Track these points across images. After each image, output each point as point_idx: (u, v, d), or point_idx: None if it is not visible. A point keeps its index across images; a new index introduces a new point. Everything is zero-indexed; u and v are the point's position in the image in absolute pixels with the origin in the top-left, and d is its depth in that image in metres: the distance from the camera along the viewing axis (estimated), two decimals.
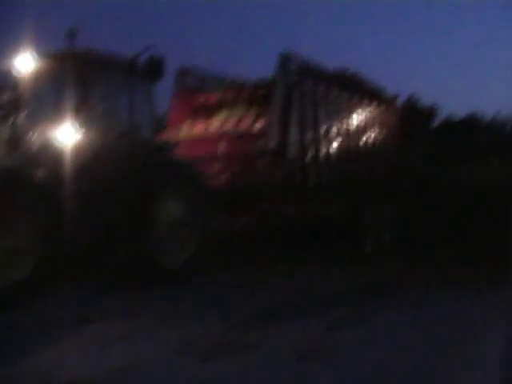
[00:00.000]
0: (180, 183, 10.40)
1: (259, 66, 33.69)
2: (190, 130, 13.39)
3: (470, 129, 33.05)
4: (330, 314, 8.03)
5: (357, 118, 15.01)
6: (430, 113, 31.03)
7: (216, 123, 13.26)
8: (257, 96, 13.65)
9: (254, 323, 7.55)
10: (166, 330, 7.21)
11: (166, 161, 10.58)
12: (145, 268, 9.61)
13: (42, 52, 9.91)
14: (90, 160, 9.45)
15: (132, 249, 9.60)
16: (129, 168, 9.78)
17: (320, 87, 13.51)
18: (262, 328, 7.33)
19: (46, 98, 10.22)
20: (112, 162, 9.68)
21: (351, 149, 14.66)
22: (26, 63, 9.85)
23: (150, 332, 7.11)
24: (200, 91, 14.36)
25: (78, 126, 9.53)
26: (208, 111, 13.80)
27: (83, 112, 9.62)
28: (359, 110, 15.12)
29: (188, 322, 7.57)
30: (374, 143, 15.83)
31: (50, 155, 9.26)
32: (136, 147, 10.21)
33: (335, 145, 14.01)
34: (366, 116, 15.43)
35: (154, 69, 10.19)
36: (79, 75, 9.68)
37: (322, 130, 13.53)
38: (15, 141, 9.32)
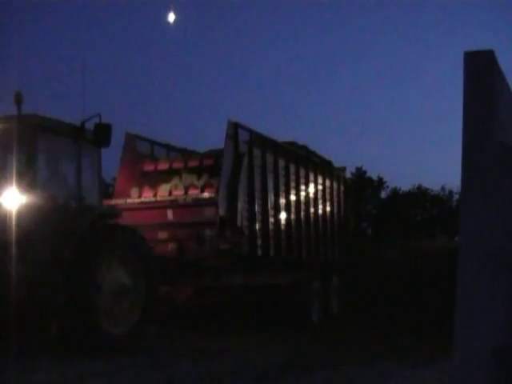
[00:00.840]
0: (124, 250, 10.29)
1: (209, 137, 34.03)
2: (138, 197, 13.28)
3: (416, 200, 33.73)
4: None
5: (306, 190, 15.16)
6: (377, 184, 31.61)
7: (164, 191, 13.20)
8: (206, 165, 13.72)
9: None
10: None
11: (110, 227, 10.49)
12: (87, 334, 9.39)
13: None
14: (32, 225, 9.29)
15: (74, 315, 9.35)
16: (72, 233, 9.65)
17: (269, 157, 13.66)
18: None
19: None
20: (55, 227, 9.54)
21: (299, 221, 14.74)
22: None
23: None
24: (149, 158, 14.35)
25: (22, 190, 9.39)
26: (156, 178, 13.77)
27: (28, 177, 9.53)
28: (308, 182, 15.29)
29: None
30: (322, 215, 15.97)
31: None
32: (80, 213, 10.09)
33: (284, 216, 14.08)
34: (314, 188, 15.61)
35: (100, 135, 10.17)
36: (24, 140, 9.61)
37: (271, 200, 13.60)
38: None
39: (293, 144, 15.95)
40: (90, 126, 10.26)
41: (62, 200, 10.14)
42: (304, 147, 16.17)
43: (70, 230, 9.65)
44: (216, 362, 9.64)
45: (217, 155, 13.49)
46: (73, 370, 8.47)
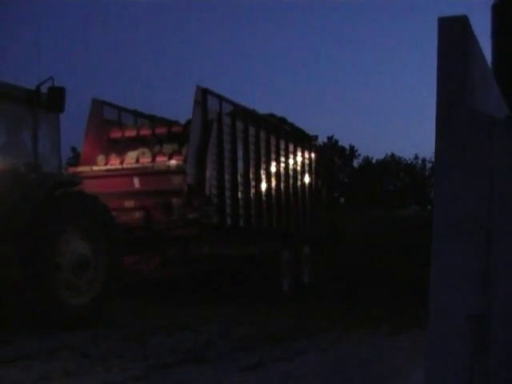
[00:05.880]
0: (84, 219, 9.97)
1: (177, 103, 33.59)
2: (104, 164, 12.93)
3: (389, 169, 33.75)
4: (249, 356, 7.84)
5: (277, 159, 14.92)
6: (349, 153, 31.53)
7: (131, 158, 12.87)
8: (174, 132, 13.42)
9: (175, 364, 7.28)
10: (85, 372, 6.84)
11: (68, 195, 10.11)
12: (47, 307, 9.17)
13: None
14: None
15: (35, 288, 9.07)
16: (27, 203, 9.29)
17: (239, 125, 13.38)
18: (183, 369, 7.07)
19: None
20: (8, 195, 9.19)
21: (270, 190, 14.53)
22: None
23: (68, 375, 6.71)
24: (116, 125, 13.97)
25: None
26: (124, 145, 13.43)
27: None
28: (279, 151, 15.05)
29: (109, 362, 7.24)
30: (293, 184, 15.78)
31: None
32: (36, 181, 9.70)
33: (254, 185, 13.85)
34: (285, 156, 15.37)
35: (54, 99, 9.76)
36: None
37: (241, 168, 13.35)
38: None
39: (272, 116, 15.72)
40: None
41: (17, 167, 9.68)
42: (283, 120, 15.96)
43: (24, 199, 9.28)
44: (189, 333, 9.52)
45: (186, 122, 13.19)
46: (44, 343, 8.30)
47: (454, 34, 3.36)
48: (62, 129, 10.52)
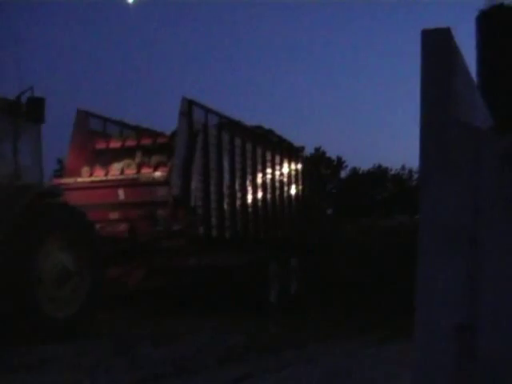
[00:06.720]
0: (65, 231, 9.85)
1: (163, 115, 33.50)
2: (88, 176, 12.86)
3: (377, 180, 33.86)
4: (237, 368, 7.84)
5: (263, 170, 14.89)
6: (336, 164, 31.60)
7: (116, 169, 12.80)
8: (159, 143, 13.36)
9: (163, 376, 7.26)
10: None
11: (48, 207, 9.97)
12: (33, 320, 9.05)
13: None
14: None
15: (15, 300, 8.94)
16: (6, 214, 9.16)
17: (224, 136, 13.35)
18: (171, 381, 7.08)
19: None
20: None
21: (256, 201, 14.50)
22: None
23: None
24: (101, 135, 13.90)
25: None
26: (109, 157, 13.35)
27: None
28: (265, 162, 15.03)
29: (97, 375, 7.21)
30: (281, 196, 15.75)
31: None
32: (16, 192, 9.56)
33: (240, 196, 13.81)
34: (271, 167, 15.34)
35: (34, 110, 9.65)
36: None
37: (227, 179, 13.30)
38: None
39: (259, 128, 15.70)
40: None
41: None
42: (271, 132, 15.93)
43: (3, 211, 9.15)
44: (177, 345, 9.45)
45: (171, 133, 13.15)
46: (31, 356, 8.20)
47: (437, 45, 3.37)
48: (49, 140, 10.43)
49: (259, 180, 14.71)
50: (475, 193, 3.22)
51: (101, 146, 13.67)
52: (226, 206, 13.22)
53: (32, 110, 9.65)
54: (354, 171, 33.77)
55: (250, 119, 15.85)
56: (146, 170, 12.50)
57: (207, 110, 13.02)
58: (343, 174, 33.85)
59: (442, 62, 3.32)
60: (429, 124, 3.35)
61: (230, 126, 13.84)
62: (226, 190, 13.26)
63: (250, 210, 14.19)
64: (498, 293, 3.15)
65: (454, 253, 3.19)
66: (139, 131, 14.68)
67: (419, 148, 3.37)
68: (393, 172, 34.49)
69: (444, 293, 3.17)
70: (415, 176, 33.21)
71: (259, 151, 14.77)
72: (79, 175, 12.90)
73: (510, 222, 3.16)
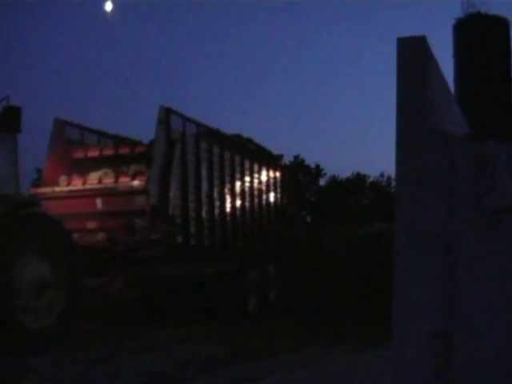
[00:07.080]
0: (41, 240, 9.76)
1: (141, 124, 33.46)
2: (66, 185, 12.76)
3: (355, 187, 33.98)
4: (218, 377, 7.87)
5: (241, 178, 14.89)
6: (315, 172, 31.65)
7: (94, 179, 12.71)
8: (137, 152, 13.30)
9: None
10: None
11: (24, 216, 9.90)
12: (10, 332, 8.96)
13: None
14: None
15: None
16: None
17: (202, 145, 13.32)
18: None
19: None
20: None
21: (234, 209, 14.48)
22: None
23: None
24: (79, 145, 13.81)
25: None
26: (86, 166, 13.26)
27: None
28: (243, 170, 15.02)
29: None
30: (257, 204, 15.74)
31: None
32: None
33: (218, 204, 13.78)
34: (250, 176, 15.34)
35: (9, 119, 9.58)
36: None
37: (205, 188, 13.28)
38: None
39: (238, 137, 15.68)
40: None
41: None
42: (249, 140, 15.92)
43: None
44: (156, 354, 9.40)
45: (149, 142, 13.09)
46: (8, 367, 8.13)
47: (412, 53, 3.39)
48: (29, 150, 10.34)
49: (238, 189, 14.70)
50: (450, 201, 3.24)
51: (79, 155, 13.59)
52: (204, 215, 13.19)
53: (8, 120, 9.57)
54: (333, 179, 33.87)
55: (228, 128, 15.79)
56: (124, 179, 12.43)
57: (185, 119, 12.98)
58: (322, 181, 33.94)
59: (418, 69, 3.35)
60: (404, 131, 3.37)
61: (209, 134, 13.82)
62: (204, 199, 13.22)
63: (228, 218, 14.17)
64: (473, 299, 3.17)
65: (429, 260, 3.21)
66: (117, 140, 14.61)
67: (395, 155, 3.39)
68: (371, 179, 34.66)
69: (420, 300, 3.19)
70: (394, 183, 33.39)
71: (238, 160, 14.76)
72: (57, 184, 12.79)
73: (485, 229, 3.18)
